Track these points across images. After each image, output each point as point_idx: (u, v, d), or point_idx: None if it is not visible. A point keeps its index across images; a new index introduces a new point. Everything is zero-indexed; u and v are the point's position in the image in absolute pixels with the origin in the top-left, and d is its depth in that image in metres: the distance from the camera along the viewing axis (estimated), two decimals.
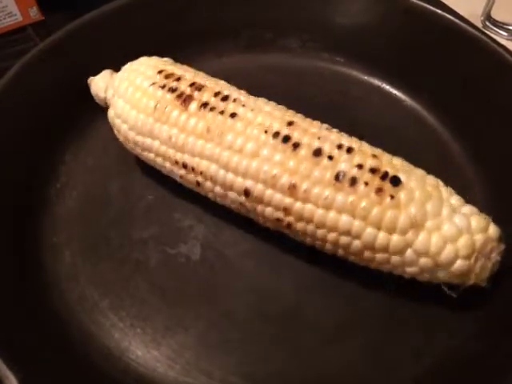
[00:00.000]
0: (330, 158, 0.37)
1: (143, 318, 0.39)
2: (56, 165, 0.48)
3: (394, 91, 0.53)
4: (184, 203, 0.45)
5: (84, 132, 0.50)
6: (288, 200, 0.37)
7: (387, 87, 0.54)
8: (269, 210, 0.39)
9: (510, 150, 0.45)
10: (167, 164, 0.43)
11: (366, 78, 0.55)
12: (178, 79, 0.42)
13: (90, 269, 0.42)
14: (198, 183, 0.42)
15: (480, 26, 0.63)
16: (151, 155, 0.43)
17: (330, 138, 0.38)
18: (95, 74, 0.47)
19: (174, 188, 0.46)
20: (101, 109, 0.50)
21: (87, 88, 0.47)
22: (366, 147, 0.38)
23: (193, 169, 0.41)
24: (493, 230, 0.35)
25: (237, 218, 0.44)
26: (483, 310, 0.38)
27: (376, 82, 0.54)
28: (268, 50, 0.57)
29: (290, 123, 0.39)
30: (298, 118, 0.40)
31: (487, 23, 0.63)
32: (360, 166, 0.36)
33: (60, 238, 0.44)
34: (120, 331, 0.39)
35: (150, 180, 0.47)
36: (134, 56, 0.46)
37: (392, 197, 0.35)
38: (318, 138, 0.38)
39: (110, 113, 0.45)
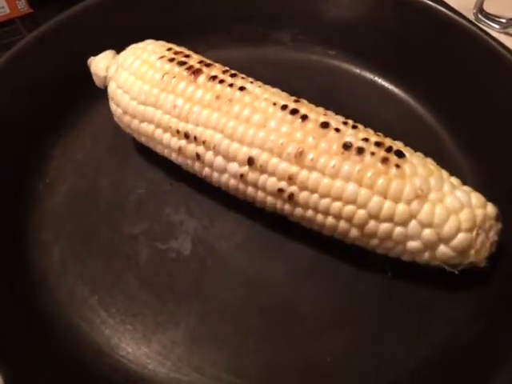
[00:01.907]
0: (337, 130, 0.37)
1: (133, 313, 0.39)
2: (45, 160, 0.47)
3: (387, 84, 0.53)
4: (175, 197, 0.45)
5: (73, 126, 0.50)
6: (294, 168, 0.37)
7: (379, 80, 0.53)
8: (271, 181, 0.38)
9: (504, 143, 0.44)
10: (166, 135, 0.42)
11: (358, 71, 0.54)
12: (187, 56, 0.43)
13: (80, 265, 0.41)
14: (197, 156, 0.41)
15: (472, 18, 0.62)
16: (150, 127, 0.42)
17: (335, 116, 0.40)
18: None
19: (165, 182, 0.46)
20: (89, 103, 0.49)
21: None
22: (369, 129, 0.39)
23: (195, 138, 0.40)
24: (491, 207, 0.36)
25: (228, 211, 0.44)
26: (478, 296, 0.38)
27: (368, 75, 0.54)
28: (260, 44, 0.57)
29: (297, 101, 0.40)
30: (302, 100, 0.41)
31: (479, 16, 0.63)
32: (366, 140, 0.37)
33: (49, 234, 0.43)
34: (110, 327, 0.38)
35: (141, 174, 0.47)
36: (124, 49, 0.45)
37: (397, 166, 0.36)
38: (324, 115, 0.39)
39: (112, 85, 0.44)
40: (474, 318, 0.37)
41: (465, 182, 0.38)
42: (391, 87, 0.53)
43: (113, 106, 0.44)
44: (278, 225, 0.42)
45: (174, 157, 0.43)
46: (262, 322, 0.38)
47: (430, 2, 0.52)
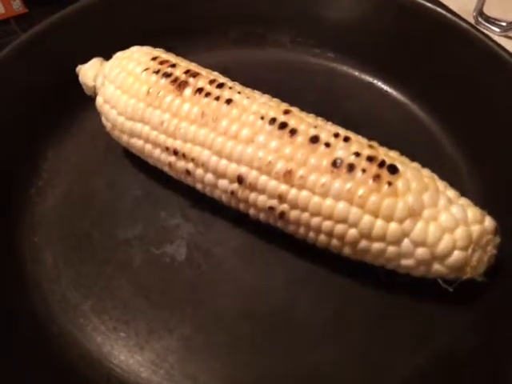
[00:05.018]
0: (327, 145, 0.36)
1: (126, 320, 0.38)
2: (38, 162, 0.47)
3: (386, 87, 0.52)
4: (171, 201, 0.44)
5: (67, 127, 0.49)
6: (283, 186, 0.36)
7: (379, 83, 0.53)
8: (262, 198, 0.37)
9: (503, 146, 0.44)
10: (156, 151, 0.41)
11: (357, 73, 0.54)
12: (173, 66, 0.41)
13: (72, 270, 0.41)
14: (187, 172, 0.40)
15: (472, 21, 0.62)
16: (140, 142, 0.42)
17: (327, 127, 0.38)
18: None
19: (160, 185, 0.45)
20: (85, 102, 0.49)
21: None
22: (362, 139, 0.38)
23: (184, 155, 0.39)
24: (489, 222, 0.35)
25: (225, 216, 0.43)
26: (477, 304, 0.38)
27: (367, 77, 0.53)
28: (258, 45, 0.56)
29: (287, 112, 0.38)
30: (293, 109, 0.39)
31: (479, 19, 0.62)
32: (357, 154, 0.35)
33: (41, 238, 0.42)
34: (102, 334, 0.37)
35: (136, 177, 0.46)
36: (121, 49, 0.44)
37: (390, 183, 0.34)
38: (315, 127, 0.37)
39: (99, 100, 0.43)
40: (473, 328, 0.37)
41: (463, 185, 0.37)
42: (390, 90, 0.52)
43: (103, 120, 0.44)
44: (275, 231, 0.41)
45: (166, 170, 0.42)
46: (257, 329, 0.38)
47: (430, 5, 0.51)
